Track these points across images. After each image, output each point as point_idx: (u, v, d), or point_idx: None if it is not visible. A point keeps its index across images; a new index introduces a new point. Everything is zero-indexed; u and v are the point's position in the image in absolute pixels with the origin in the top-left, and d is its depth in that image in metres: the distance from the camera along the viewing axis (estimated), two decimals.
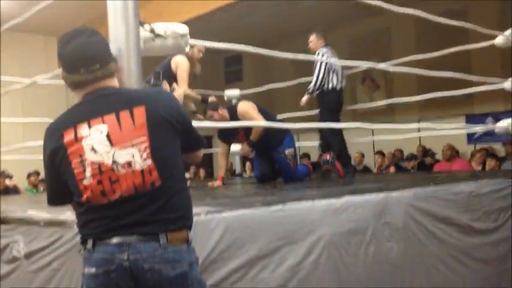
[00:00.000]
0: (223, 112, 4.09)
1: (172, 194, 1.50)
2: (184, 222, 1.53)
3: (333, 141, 4.59)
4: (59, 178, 1.54)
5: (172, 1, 8.06)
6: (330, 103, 4.57)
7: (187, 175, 6.00)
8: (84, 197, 1.48)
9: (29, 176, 7.83)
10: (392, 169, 7.81)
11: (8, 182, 7.32)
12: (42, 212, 2.45)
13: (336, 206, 2.39)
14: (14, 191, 7.28)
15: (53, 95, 9.55)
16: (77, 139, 1.48)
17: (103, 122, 1.48)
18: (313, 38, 4.78)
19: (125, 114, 1.49)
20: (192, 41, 2.17)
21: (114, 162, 1.46)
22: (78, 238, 1.87)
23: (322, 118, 4.48)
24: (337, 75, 4.59)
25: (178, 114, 1.57)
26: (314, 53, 4.60)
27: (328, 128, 4.35)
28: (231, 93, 5.57)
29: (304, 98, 4.71)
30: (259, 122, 3.84)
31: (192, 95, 4.14)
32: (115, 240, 1.45)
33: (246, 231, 2.05)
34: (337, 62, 4.46)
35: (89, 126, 1.48)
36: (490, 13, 8.36)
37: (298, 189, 3.48)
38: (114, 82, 1.59)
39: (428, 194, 2.81)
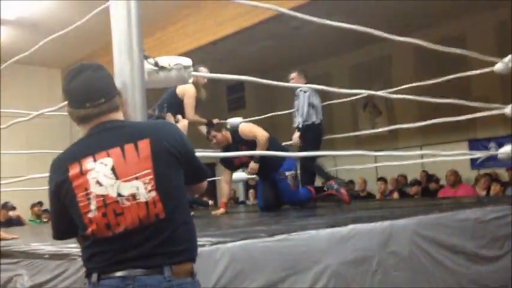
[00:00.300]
0: (226, 133, 4.18)
1: (176, 226, 1.50)
2: (189, 255, 1.53)
3: (318, 172, 4.86)
4: (64, 212, 1.55)
5: (174, 33, 8.20)
6: (313, 137, 4.72)
7: (210, 202, 6.02)
8: (89, 230, 1.48)
9: (32, 206, 7.84)
10: (396, 195, 7.79)
11: (11, 213, 7.31)
12: (47, 245, 2.45)
13: (341, 234, 2.38)
14: (17, 222, 7.26)
15: (57, 126, 9.63)
16: (82, 172, 1.49)
17: (108, 155, 1.50)
18: (294, 76, 5.00)
19: (129, 147, 1.50)
20: (195, 73, 2.19)
21: (118, 194, 1.47)
22: (83, 271, 1.86)
23: (305, 151, 4.53)
24: (316, 111, 4.86)
25: (182, 146, 1.58)
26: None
27: (309, 160, 4.61)
28: (234, 121, 5.61)
29: (296, 135, 4.86)
30: (260, 137, 4.12)
31: (200, 120, 4.24)
32: (120, 273, 1.44)
33: (251, 262, 2.04)
34: (336, 91, 4.47)
35: (94, 160, 1.49)
36: (489, 38, 8.46)
37: (302, 217, 3.47)
38: (119, 115, 1.61)
39: (433, 222, 2.79)
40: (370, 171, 8.86)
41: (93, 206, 1.47)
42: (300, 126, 4.75)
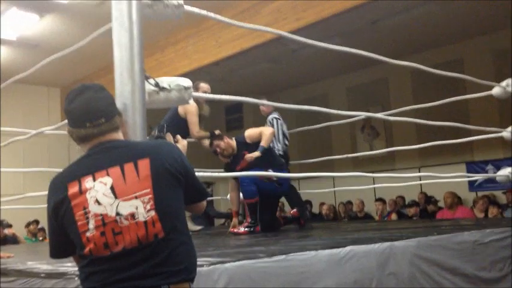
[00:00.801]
0: (229, 141, 4.18)
1: (175, 246, 1.50)
2: (187, 275, 1.52)
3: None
4: (61, 231, 1.54)
5: (173, 54, 8.26)
6: (282, 161, 4.67)
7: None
8: (87, 249, 1.47)
9: (28, 225, 7.79)
10: (394, 216, 7.76)
11: (7, 231, 7.26)
12: (43, 263, 2.43)
13: (340, 255, 2.37)
14: (12, 239, 7.21)
15: (55, 145, 9.63)
16: (81, 192, 1.49)
17: (107, 174, 1.50)
18: (263, 107, 5.11)
19: (129, 167, 1.51)
20: (196, 94, 2.21)
21: (117, 214, 1.46)
22: None
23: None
24: (286, 139, 5.06)
25: (182, 166, 1.58)
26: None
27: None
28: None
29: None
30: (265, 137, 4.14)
31: (204, 135, 4.31)
32: None
33: (249, 282, 2.02)
34: (334, 113, 4.48)
35: (94, 179, 1.50)
36: (486, 62, 8.55)
37: (301, 238, 3.45)
38: (119, 135, 1.62)
39: (433, 244, 2.79)
40: (368, 192, 8.85)
41: (91, 225, 1.46)
42: (281, 153, 4.87)
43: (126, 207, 1.47)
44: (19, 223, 7.89)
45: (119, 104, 1.92)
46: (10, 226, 7.41)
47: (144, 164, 1.51)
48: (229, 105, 12.33)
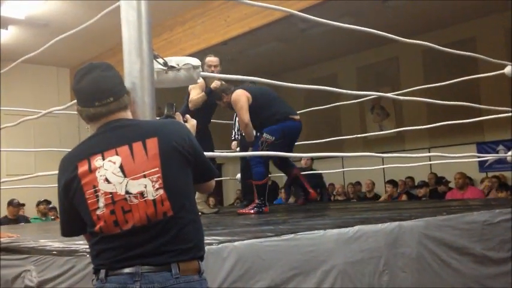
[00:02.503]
0: (228, 98, 4.20)
1: (184, 225, 1.51)
2: (196, 253, 1.53)
3: None
4: (72, 209, 1.56)
5: (182, 34, 8.22)
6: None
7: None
8: (97, 227, 1.49)
9: (38, 204, 7.87)
10: (404, 197, 7.76)
11: (20, 211, 7.36)
12: (55, 241, 2.47)
13: (348, 235, 2.38)
14: (24, 219, 7.31)
15: (65, 124, 9.68)
16: (91, 170, 1.50)
17: (116, 153, 1.51)
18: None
19: (138, 146, 1.51)
20: (204, 73, 2.20)
21: (126, 192, 1.48)
22: (91, 268, 1.88)
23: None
24: None
25: (190, 145, 1.59)
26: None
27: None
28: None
29: (233, 144, 5.38)
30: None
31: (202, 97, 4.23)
32: (127, 270, 1.45)
33: (258, 261, 2.04)
34: (343, 92, 4.42)
35: (103, 158, 1.51)
36: (499, 40, 8.42)
37: (310, 217, 3.47)
38: (128, 114, 1.63)
39: (442, 224, 2.78)
40: (378, 173, 8.84)
41: (101, 203, 1.48)
42: (237, 137, 5.21)
43: (135, 186, 1.48)
44: (30, 202, 7.99)
45: (127, 83, 1.92)
46: (22, 205, 7.49)
47: (153, 143, 1.52)
48: (237, 84, 12.28)
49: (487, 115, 4.41)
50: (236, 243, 2.01)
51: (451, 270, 2.73)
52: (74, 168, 1.53)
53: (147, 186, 1.48)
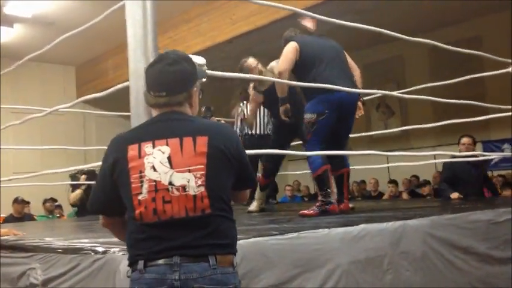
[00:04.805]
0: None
1: (220, 223, 1.55)
2: (231, 249, 1.58)
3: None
4: (112, 188, 1.59)
5: (187, 32, 8.22)
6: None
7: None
8: (137, 211, 1.53)
9: (44, 202, 7.90)
10: (405, 195, 7.74)
11: (26, 209, 7.38)
12: (60, 239, 2.48)
13: (353, 234, 2.38)
14: (29, 217, 7.33)
15: (71, 122, 9.71)
16: (140, 156, 1.55)
17: (167, 144, 1.56)
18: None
19: (188, 141, 1.56)
20: (210, 71, 2.21)
21: (170, 183, 1.52)
22: (96, 265, 1.89)
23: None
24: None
25: (237, 151, 1.63)
26: None
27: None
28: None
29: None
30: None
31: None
32: (166, 261, 1.49)
33: (263, 260, 2.05)
34: (348, 91, 4.03)
35: (153, 146, 1.56)
36: (505, 38, 8.36)
37: (315, 216, 3.46)
38: (185, 109, 1.67)
39: (446, 223, 2.78)
40: (383, 171, 8.81)
41: (144, 190, 1.52)
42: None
43: (179, 178, 1.52)
44: (36, 200, 8.02)
45: (132, 80, 1.93)
46: (27, 203, 7.52)
47: (203, 141, 1.56)
48: (246, 83, 12.28)
49: (493, 113, 4.38)
50: (241, 241, 2.00)
51: (456, 269, 2.72)
52: (124, 150, 1.57)
53: (190, 181, 1.52)
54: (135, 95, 2.01)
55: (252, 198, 4.51)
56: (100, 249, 1.97)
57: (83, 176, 6.03)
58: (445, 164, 4.90)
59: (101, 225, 1.75)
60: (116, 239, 1.78)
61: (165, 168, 1.52)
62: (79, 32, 2.99)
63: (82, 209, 5.99)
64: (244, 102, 5.33)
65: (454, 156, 4.70)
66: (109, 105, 6.55)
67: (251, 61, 4.14)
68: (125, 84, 2.15)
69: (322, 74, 3.34)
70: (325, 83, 3.18)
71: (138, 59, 1.98)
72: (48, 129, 9.30)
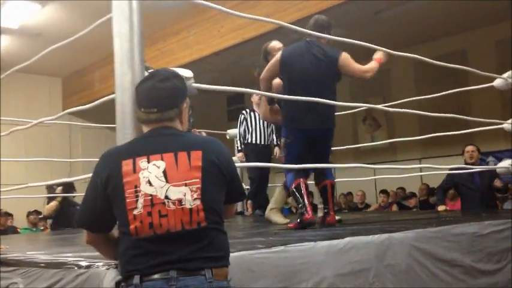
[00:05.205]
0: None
1: (215, 235, 1.58)
2: (226, 261, 1.60)
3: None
4: (104, 202, 1.59)
5: (175, 44, 8.23)
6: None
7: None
8: (132, 226, 1.53)
9: (28, 214, 7.80)
10: (395, 207, 7.78)
11: (9, 222, 7.29)
12: (43, 253, 2.44)
13: (338, 247, 2.38)
14: (12, 230, 7.23)
15: (56, 134, 9.64)
16: (135, 171, 1.56)
17: (162, 159, 1.57)
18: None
19: (182, 155, 1.58)
20: (196, 85, 2.21)
21: (166, 197, 1.54)
22: (79, 280, 1.86)
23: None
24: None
25: (229, 165, 1.67)
26: None
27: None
28: (233, 132, 5.62)
29: (240, 155, 5.18)
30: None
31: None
32: (163, 275, 1.49)
33: (248, 273, 2.03)
34: (335, 104, 3.91)
35: (148, 161, 1.57)
36: (490, 52, 8.51)
37: (300, 229, 3.45)
38: (176, 124, 1.69)
39: (431, 235, 2.79)
40: (369, 184, 8.86)
41: (140, 204, 1.53)
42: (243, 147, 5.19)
43: (175, 193, 1.54)
44: (20, 213, 7.92)
45: (118, 93, 1.92)
46: (10, 215, 7.41)
47: (197, 155, 1.59)
48: (230, 96, 12.31)
49: (478, 127, 4.44)
50: None
51: (440, 281, 2.73)
52: (118, 165, 1.57)
53: (186, 194, 1.54)
54: (121, 109, 1.99)
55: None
56: (83, 263, 1.94)
57: (59, 188, 5.78)
58: (449, 171, 4.99)
59: (85, 242, 1.73)
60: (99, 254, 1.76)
61: (161, 183, 1.54)
62: (66, 43, 2.97)
63: (57, 220, 5.84)
64: (247, 110, 5.32)
65: (454, 168, 4.76)
66: (95, 116, 6.53)
67: (275, 43, 3.99)
68: (111, 96, 2.14)
69: (293, 105, 3.34)
70: (293, 116, 3.33)
71: (124, 72, 1.97)
72: (33, 141, 9.22)
